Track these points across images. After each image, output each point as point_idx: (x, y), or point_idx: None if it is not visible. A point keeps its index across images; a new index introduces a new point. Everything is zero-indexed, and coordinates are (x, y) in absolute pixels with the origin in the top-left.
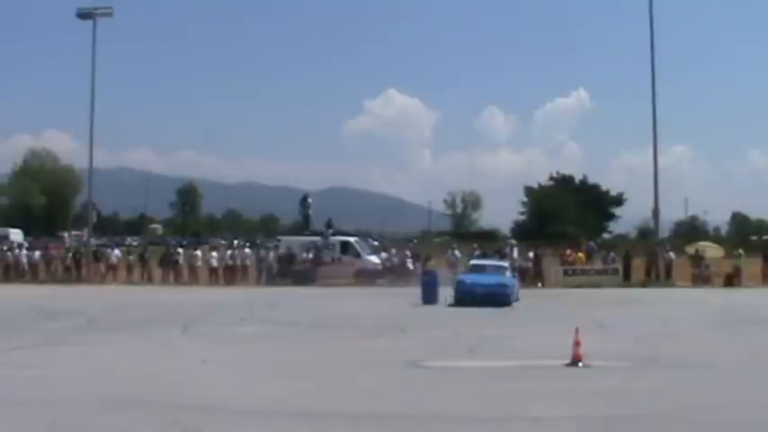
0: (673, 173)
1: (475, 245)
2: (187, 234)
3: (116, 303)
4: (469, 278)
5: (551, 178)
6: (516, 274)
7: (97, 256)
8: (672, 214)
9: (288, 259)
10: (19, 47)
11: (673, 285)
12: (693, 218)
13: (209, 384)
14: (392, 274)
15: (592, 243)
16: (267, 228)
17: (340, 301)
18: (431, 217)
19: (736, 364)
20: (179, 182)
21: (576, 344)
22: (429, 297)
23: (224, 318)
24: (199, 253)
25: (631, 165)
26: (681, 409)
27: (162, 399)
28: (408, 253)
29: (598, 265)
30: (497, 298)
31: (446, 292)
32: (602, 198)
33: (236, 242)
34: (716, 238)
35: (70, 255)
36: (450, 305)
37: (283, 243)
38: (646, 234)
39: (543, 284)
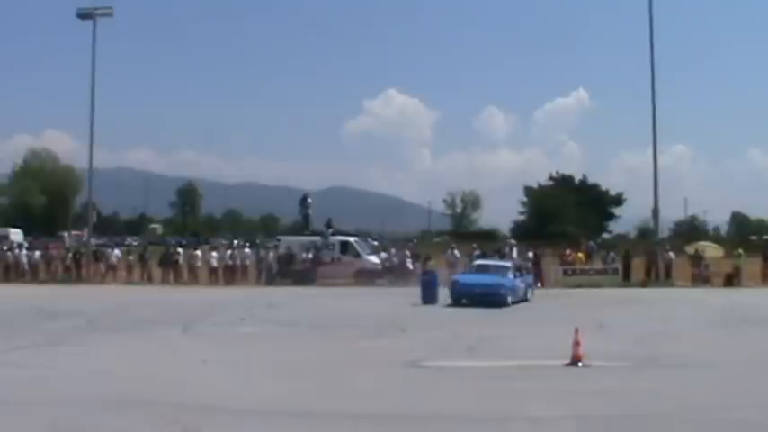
0: (672, 173)
1: (474, 245)
2: (187, 234)
3: (116, 303)
4: (464, 278)
5: (551, 178)
6: (522, 274)
7: (97, 256)
8: (671, 214)
9: (288, 259)
10: (19, 47)
11: (672, 285)
12: (693, 218)
13: (209, 384)
14: (392, 273)
15: (591, 243)
16: (267, 228)
17: (340, 301)
18: (430, 217)
19: (736, 364)
20: (179, 182)
21: (576, 344)
22: (429, 297)
23: (224, 318)
24: (199, 253)
25: (631, 164)
26: (681, 409)
27: (162, 398)
28: (408, 253)
29: (598, 264)
30: (491, 298)
31: (446, 292)
32: (601, 198)
33: (235, 242)
34: (715, 238)
35: (70, 255)
36: (447, 305)
37: (283, 243)
38: (645, 234)
39: (543, 284)
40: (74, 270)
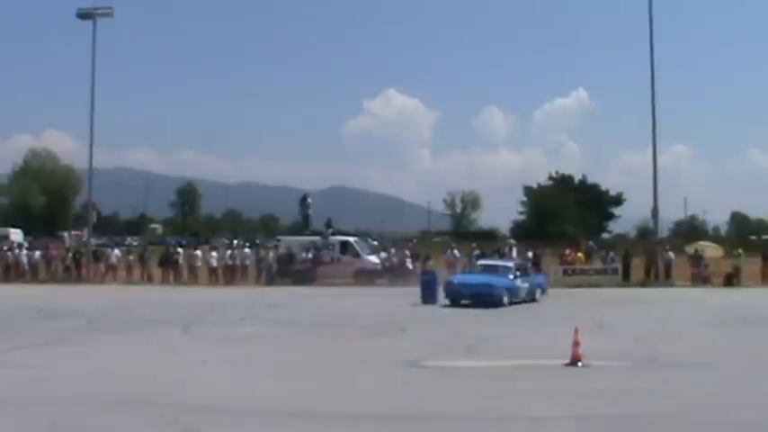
0: (672, 172)
1: (474, 245)
2: (187, 234)
3: (116, 303)
4: (457, 278)
5: (551, 178)
6: (527, 274)
7: (97, 256)
8: (671, 214)
9: (287, 259)
10: (19, 47)
11: (672, 285)
12: (693, 217)
13: (209, 384)
14: (391, 273)
15: (591, 243)
16: (267, 228)
17: (339, 301)
18: (430, 217)
19: (736, 364)
20: (179, 182)
21: (576, 344)
22: (428, 297)
23: (224, 318)
24: (199, 253)
25: (631, 164)
26: (680, 409)
27: (162, 398)
28: (408, 253)
29: (597, 264)
30: (484, 298)
31: None
32: (601, 198)
33: (235, 242)
34: (715, 238)
35: (70, 255)
36: (446, 305)
37: (283, 243)
38: (645, 234)
39: None
40: (74, 270)
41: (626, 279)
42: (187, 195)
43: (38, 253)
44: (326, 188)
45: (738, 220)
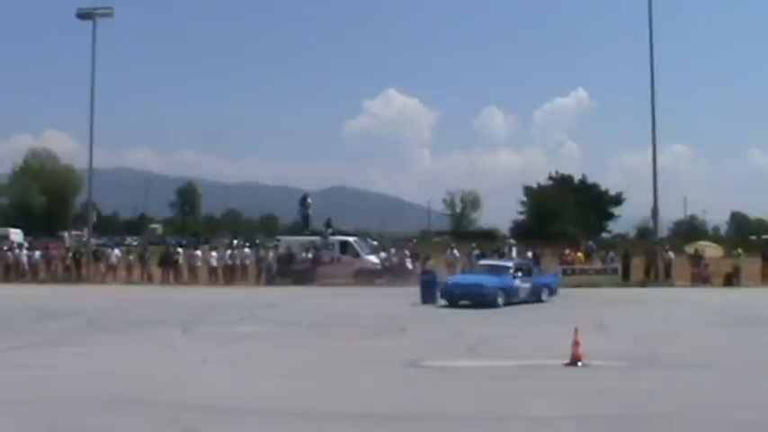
0: (672, 172)
1: (474, 244)
2: (187, 234)
3: (116, 303)
4: (452, 278)
5: (550, 178)
6: (529, 274)
7: (97, 256)
8: (671, 214)
9: (287, 259)
10: (19, 47)
11: (672, 285)
12: (692, 217)
13: (209, 384)
14: (391, 273)
15: (591, 243)
16: (267, 227)
17: (339, 301)
18: (430, 217)
19: (736, 364)
20: (179, 182)
21: (576, 343)
22: (428, 297)
23: (224, 317)
24: (198, 253)
25: (630, 164)
26: (680, 409)
27: (162, 398)
28: (407, 252)
29: (597, 264)
30: (474, 298)
31: None
32: (601, 198)
33: (235, 242)
34: (715, 238)
35: (70, 255)
36: (444, 306)
37: (283, 243)
38: (645, 234)
39: None
40: (74, 270)
41: (626, 279)
42: (187, 195)
43: (38, 253)
44: (326, 188)
45: (738, 220)
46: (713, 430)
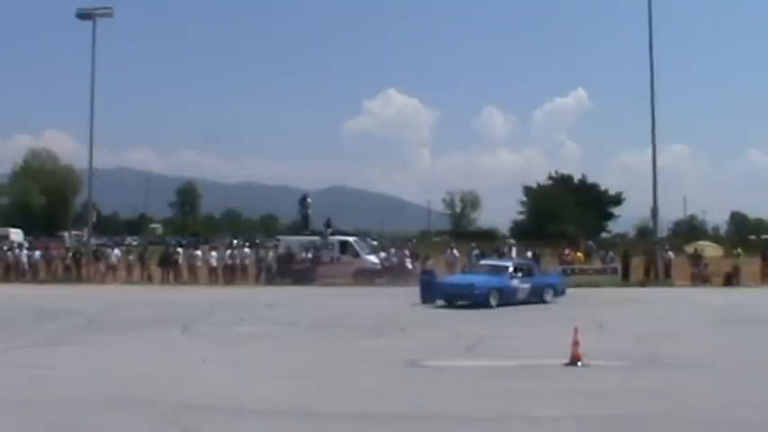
0: (671, 172)
1: (473, 244)
2: (186, 234)
3: (116, 303)
4: (447, 278)
5: (550, 178)
6: (530, 275)
7: (97, 256)
8: (671, 213)
9: (287, 259)
10: (19, 47)
11: (672, 285)
12: (692, 217)
13: (209, 384)
14: (391, 273)
15: (590, 242)
16: (267, 227)
17: (339, 301)
18: (430, 216)
19: (736, 364)
20: (179, 182)
21: (575, 343)
22: (428, 297)
23: (223, 317)
24: (198, 253)
25: (630, 164)
26: (680, 409)
27: (162, 398)
28: (407, 252)
29: (597, 264)
30: (468, 298)
31: None
32: (600, 197)
33: (235, 242)
34: (715, 238)
35: (70, 254)
36: (444, 306)
37: (282, 243)
38: (645, 233)
39: None
40: (74, 270)
41: (625, 279)
42: (187, 195)
43: (38, 253)
44: (326, 188)
45: (738, 220)
46: (713, 430)
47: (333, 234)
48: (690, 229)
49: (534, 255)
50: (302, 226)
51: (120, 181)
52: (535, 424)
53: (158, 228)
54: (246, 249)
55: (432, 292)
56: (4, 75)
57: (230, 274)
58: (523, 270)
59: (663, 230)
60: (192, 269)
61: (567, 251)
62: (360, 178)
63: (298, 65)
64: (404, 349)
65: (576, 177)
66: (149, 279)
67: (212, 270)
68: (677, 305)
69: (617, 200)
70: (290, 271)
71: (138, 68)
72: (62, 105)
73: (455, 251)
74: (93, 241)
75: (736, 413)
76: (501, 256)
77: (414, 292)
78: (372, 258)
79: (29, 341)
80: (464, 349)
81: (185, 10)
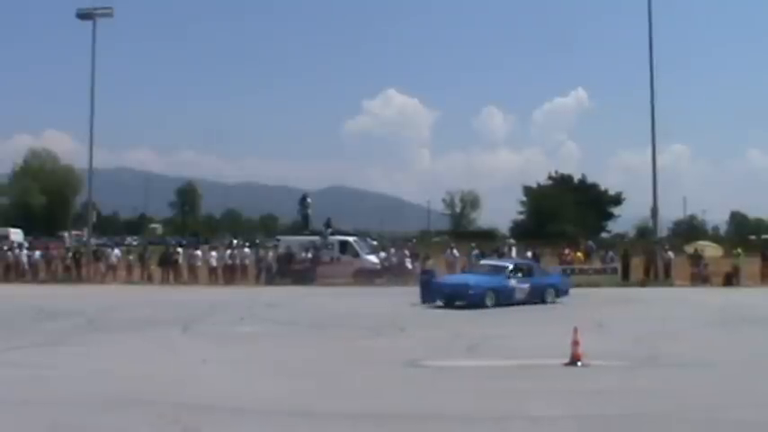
0: (671, 172)
1: (473, 244)
2: (186, 234)
3: (116, 303)
4: (443, 278)
5: (550, 178)
6: (530, 275)
7: (97, 256)
8: (670, 213)
9: (287, 259)
10: (19, 47)
11: (671, 285)
12: (692, 217)
13: (209, 384)
14: (391, 273)
15: (590, 242)
16: (266, 227)
17: (339, 301)
18: (430, 216)
19: (736, 364)
20: (179, 182)
21: (575, 343)
22: (428, 296)
23: (223, 317)
24: (198, 253)
25: (630, 164)
26: (680, 409)
27: (162, 398)
28: (407, 252)
29: (597, 264)
30: (463, 298)
31: None
32: (600, 197)
33: (235, 242)
34: (715, 238)
35: (70, 254)
36: (443, 306)
37: (282, 243)
38: (644, 233)
39: None
40: (74, 270)
41: (625, 279)
42: (187, 195)
43: (38, 253)
44: (326, 188)
45: (737, 220)
46: (713, 430)
47: (333, 234)
48: (690, 229)
49: (534, 255)
50: (302, 226)
51: (120, 181)
52: (535, 424)
53: (158, 228)
54: (246, 249)
55: (431, 292)
56: (4, 75)
57: (230, 274)
58: (523, 270)
59: (663, 230)
60: (192, 269)
61: (566, 251)
62: (359, 178)
63: (298, 65)
64: (404, 349)
65: (576, 177)
66: (149, 279)
67: (212, 270)
68: (677, 305)
69: (617, 200)
70: (290, 271)
71: (138, 68)
72: (62, 105)
73: (455, 251)
74: (93, 241)
75: (736, 413)
76: (501, 256)
77: (414, 292)
78: (372, 258)
79: (29, 341)
80: (464, 349)
81: (185, 10)
